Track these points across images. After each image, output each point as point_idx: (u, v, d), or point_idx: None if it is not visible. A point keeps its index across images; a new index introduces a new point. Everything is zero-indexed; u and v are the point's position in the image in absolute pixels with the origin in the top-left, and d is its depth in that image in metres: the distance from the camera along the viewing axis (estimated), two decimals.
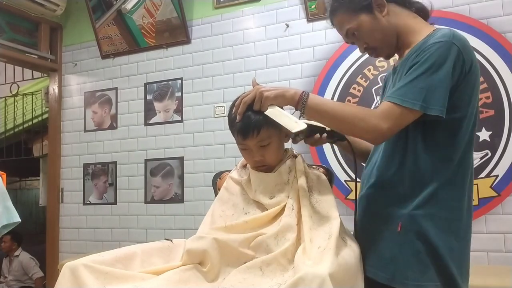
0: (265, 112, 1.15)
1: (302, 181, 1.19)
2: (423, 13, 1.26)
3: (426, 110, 1.05)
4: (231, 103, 1.25)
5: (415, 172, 1.12)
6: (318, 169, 1.32)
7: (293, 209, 1.13)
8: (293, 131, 1.13)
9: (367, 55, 2.65)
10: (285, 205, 1.16)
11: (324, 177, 1.26)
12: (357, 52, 2.71)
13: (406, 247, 1.10)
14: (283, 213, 1.14)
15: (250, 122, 1.17)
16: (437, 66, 1.06)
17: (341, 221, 1.13)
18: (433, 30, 1.17)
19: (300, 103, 1.13)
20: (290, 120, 1.13)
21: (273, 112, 1.15)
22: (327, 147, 2.76)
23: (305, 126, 1.13)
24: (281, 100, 1.15)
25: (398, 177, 1.15)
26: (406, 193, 1.13)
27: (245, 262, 1.06)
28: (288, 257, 1.04)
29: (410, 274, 1.09)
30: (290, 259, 1.04)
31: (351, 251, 1.07)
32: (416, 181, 1.12)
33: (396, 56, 1.28)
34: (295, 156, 1.28)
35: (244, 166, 1.32)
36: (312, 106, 1.13)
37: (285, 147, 1.35)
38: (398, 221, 1.12)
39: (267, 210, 1.18)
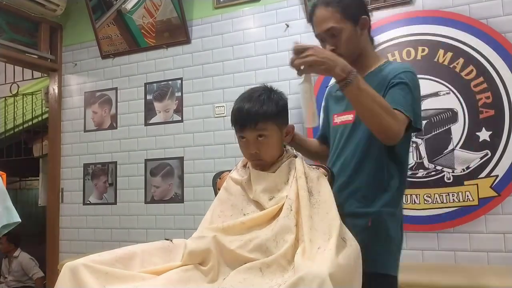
0: (299, 84, 1.21)
1: (302, 181, 1.18)
2: (374, 46, 1.48)
3: (416, 124, 1.28)
4: (231, 103, 1.25)
5: (381, 178, 1.35)
6: (319, 169, 1.32)
7: (291, 210, 1.13)
8: (306, 126, 1.24)
9: None
10: (283, 204, 1.16)
11: (324, 177, 1.26)
12: None
13: (375, 238, 1.31)
14: (280, 214, 1.14)
15: (250, 114, 1.20)
16: (418, 92, 1.32)
17: (341, 221, 1.13)
18: (385, 61, 1.42)
19: (346, 80, 1.16)
20: (310, 111, 1.21)
21: (305, 88, 1.20)
22: None
23: (317, 124, 1.24)
24: (327, 73, 1.19)
25: (366, 182, 1.36)
26: (374, 195, 1.35)
27: (244, 263, 1.06)
28: (287, 258, 1.04)
29: (378, 259, 1.31)
30: (289, 260, 1.04)
31: (351, 251, 1.07)
32: (382, 185, 1.35)
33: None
34: (295, 156, 1.29)
35: (244, 166, 1.33)
36: (358, 85, 1.17)
37: (286, 147, 1.35)
38: (369, 217, 1.34)
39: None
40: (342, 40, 1.30)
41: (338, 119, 1.46)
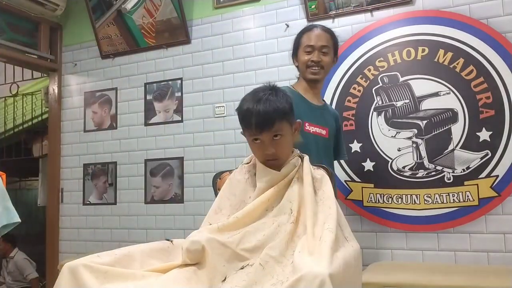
0: None
1: (308, 178, 1.20)
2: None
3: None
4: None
5: None
6: (319, 169, 1.33)
7: (291, 212, 1.14)
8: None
9: (367, 56, 2.67)
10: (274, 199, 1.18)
11: (327, 176, 1.27)
12: (357, 53, 2.71)
13: None
14: (281, 217, 1.14)
15: (266, 115, 1.17)
16: None
17: (344, 220, 1.14)
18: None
19: None
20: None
21: None
22: None
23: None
24: None
25: None
26: None
27: (243, 262, 1.06)
28: (283, 253, 1.05)
29: None
30: (284, 255, 1.05)
31: (352, 251, 1.08)
32: None
33: None
34: (300, 156, 1.30)
35: (248, 164, 1.33)
36: None
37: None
38: None
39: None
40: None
41: (310, 128, 1.78)
